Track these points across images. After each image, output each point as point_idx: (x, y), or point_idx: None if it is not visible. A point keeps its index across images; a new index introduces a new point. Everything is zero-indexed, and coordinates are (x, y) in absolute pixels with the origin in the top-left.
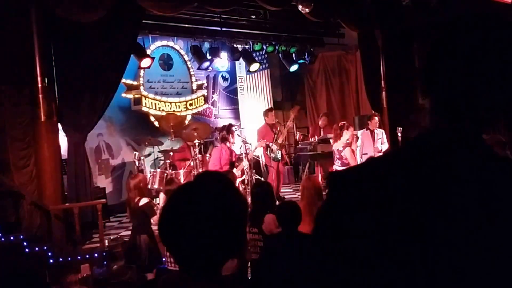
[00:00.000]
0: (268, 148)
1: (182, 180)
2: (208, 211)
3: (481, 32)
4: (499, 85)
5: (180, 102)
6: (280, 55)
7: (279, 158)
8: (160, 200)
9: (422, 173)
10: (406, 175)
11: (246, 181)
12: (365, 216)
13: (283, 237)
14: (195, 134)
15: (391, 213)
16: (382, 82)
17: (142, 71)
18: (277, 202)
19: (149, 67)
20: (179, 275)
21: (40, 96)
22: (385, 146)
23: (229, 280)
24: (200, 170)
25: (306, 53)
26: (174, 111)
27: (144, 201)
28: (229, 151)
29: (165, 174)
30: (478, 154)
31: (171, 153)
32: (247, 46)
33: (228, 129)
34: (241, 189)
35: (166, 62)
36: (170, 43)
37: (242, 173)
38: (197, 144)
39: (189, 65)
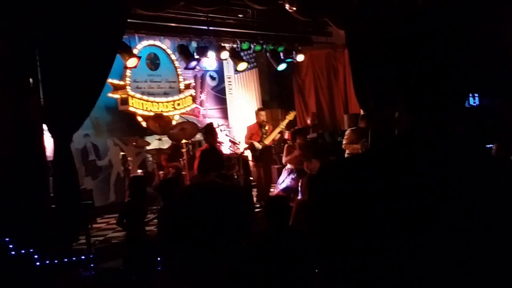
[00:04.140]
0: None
1: None
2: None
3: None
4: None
5: (167, 102)
6: (268, 54)
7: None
8: None
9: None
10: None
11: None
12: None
13: (273, 232)
14: (183, 134)
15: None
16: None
17: (128, 71)
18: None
19: (135, 66)
20: None
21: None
22: None
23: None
24: (188, 170)
25: (294, 52)
26: (161, 111)
27: None
28: (213, 152)
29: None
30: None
31: (159, 153)
32: (234, 45)
33: (206, 129)
34: None
35: (153, 62)
36: (157, 43)
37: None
38: (185, 144)
39: (176, 65)
